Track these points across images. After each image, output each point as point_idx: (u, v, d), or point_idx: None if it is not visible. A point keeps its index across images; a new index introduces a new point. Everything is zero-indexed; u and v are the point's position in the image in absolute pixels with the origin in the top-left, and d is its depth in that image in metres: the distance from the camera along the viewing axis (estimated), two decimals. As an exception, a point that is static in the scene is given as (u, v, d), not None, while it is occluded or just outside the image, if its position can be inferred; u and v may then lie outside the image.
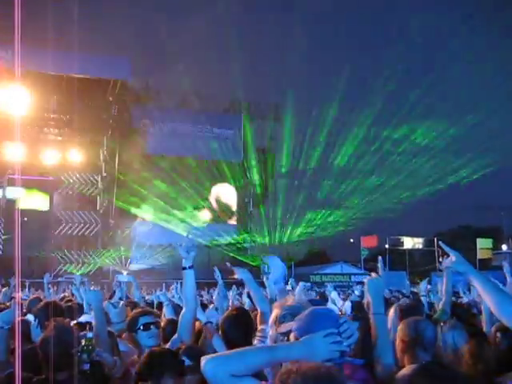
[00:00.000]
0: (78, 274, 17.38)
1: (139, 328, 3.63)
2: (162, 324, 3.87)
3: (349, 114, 22.04)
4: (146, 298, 9.87)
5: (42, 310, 4.22)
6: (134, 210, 20.88)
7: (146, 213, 21.44)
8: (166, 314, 4.60)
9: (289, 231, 22.44)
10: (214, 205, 22.97)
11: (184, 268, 3.51)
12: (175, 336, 3.56)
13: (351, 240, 32.31)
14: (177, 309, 4.71)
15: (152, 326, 3.64)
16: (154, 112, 19.20)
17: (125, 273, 19.23)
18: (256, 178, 22.98)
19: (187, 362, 3.09)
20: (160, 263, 20.52)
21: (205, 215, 22.88)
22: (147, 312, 3.85)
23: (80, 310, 4.98)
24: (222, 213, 23.05)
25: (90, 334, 3.14)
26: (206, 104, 20.05)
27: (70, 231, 20.68)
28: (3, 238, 19.36)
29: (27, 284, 9.32)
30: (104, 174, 21.06)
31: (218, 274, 5.26)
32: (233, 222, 23.66)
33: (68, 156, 20.14)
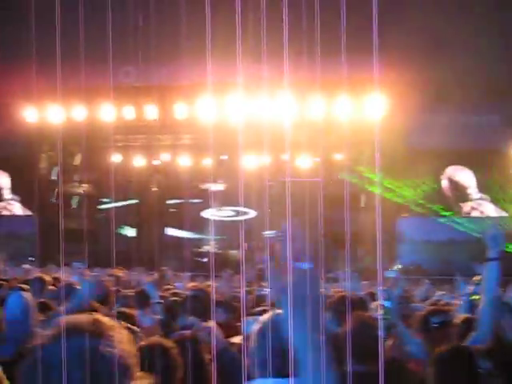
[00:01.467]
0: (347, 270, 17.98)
1: (430, 327, 3.56)
2: (457, 321, 3.76)
3: None
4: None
5: (338, 303, 4.45)
6: (396, 206, 20.85)
7: (409, 208, 21.26)
8: (462, 311, 4.45)
9: None
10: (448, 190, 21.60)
11: (488, 259, 3.28)
12: (474, 333, 3.41)
13: None
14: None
15: (444, 326, 3.56)
16: (412, 105, 18.75)
17: (394, 268, 19.26)
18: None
19: (486, 365, 2.91)
20: (428, 259, 20.06)
21: (467, 208, 21.72)
22: (438, 311, 3.77)
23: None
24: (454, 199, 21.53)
25: (387, 303, 3.19)
26: (464, 92, 18.89)
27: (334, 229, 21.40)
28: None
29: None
30: (367, 171, 21.40)
31: None
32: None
33: (330, 158, 21.38)
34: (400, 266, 19.98)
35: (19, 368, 1.29)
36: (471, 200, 21.73)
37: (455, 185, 21.76)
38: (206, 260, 20.76)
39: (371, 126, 18.58)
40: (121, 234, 23.26)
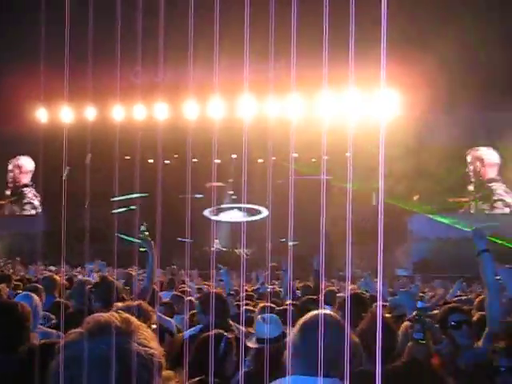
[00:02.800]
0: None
1: (450, 325, 3.53)
2: (474, 319, 3.76)
3: None
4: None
5: (349, 301, 4.46)
6: (406, 204, 20.78)
7: (418, 205, 21.24)
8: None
9: None
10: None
11: (479, 253, 3.39)
12: (487, 331, 3.42)
13: None
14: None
15: (464, 325, 3.53)
16: (427, 102, 18.64)
17: (404, 266, 19.26)
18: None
19: (504, 362, 2.92)
20: (437, 257, 19.92)
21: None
22: (457, 309, 3.73)
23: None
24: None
25: (420, 304, 3.21)
26: (485, 86, 18.72)
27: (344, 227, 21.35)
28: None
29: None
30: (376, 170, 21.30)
31: None
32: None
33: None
34: (410, 264, 19.91)
35: (49, 366, 1.27)
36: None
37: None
38: (212, 257, 20.76)
39: (380, 123, 18.48)
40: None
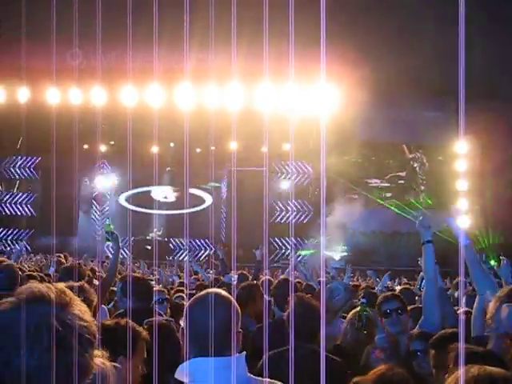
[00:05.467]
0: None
1: (383, 314, 3.66)
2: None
3: None
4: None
5: (279, 287, 4.58)
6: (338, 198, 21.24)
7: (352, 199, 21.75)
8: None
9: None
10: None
11: (423, 243, 3.57)
12: (421, 319, 3.57)
13: None
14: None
15: (394, 314, 3.64)
16: (363, 98, 19.00)
17: (337, 258, 19.58)
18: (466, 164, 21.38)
19: (418, 346, 3.07)
20: (368, 250, 20.37)
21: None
22: (389, 298, 3.86)
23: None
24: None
25: (363, 300, 3.36)
26: (416, 87, 19.28)
27: (284, 219, 21.66)
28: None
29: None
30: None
31: None
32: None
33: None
34: (344, 256, 20.28)
35: None
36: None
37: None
38: (150, 247, 20.51)
39: (320, 117, 18.76)
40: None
